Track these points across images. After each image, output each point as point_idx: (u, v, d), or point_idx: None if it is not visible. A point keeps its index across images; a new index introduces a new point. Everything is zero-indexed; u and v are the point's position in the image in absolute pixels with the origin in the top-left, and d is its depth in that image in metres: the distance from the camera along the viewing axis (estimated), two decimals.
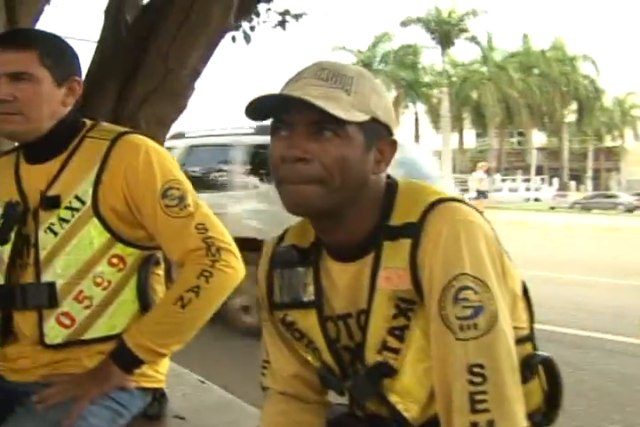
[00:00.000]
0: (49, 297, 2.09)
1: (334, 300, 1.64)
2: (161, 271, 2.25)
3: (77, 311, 2.10)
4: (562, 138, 60.32)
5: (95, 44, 3.80)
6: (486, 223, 1.55)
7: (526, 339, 1.65)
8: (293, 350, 1.74)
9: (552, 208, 38.17)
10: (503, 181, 52.35)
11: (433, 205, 1.53)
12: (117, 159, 2.11)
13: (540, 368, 1.65)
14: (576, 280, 11.66)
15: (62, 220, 2.09)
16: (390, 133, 1.58)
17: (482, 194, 26.50)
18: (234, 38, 5.01)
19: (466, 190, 49.17)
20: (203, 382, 2.91)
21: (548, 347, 1.73)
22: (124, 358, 2.04)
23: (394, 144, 1.59)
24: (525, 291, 1.67)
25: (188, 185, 2.14)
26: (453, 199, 1.56)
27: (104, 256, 2.11)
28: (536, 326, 1.68)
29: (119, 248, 2.12)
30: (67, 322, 2.10)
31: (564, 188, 54.87)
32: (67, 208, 2.09)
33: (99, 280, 2.10)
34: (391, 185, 1.62)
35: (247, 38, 5.10)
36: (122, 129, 2.23)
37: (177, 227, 2.08)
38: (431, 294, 1.48)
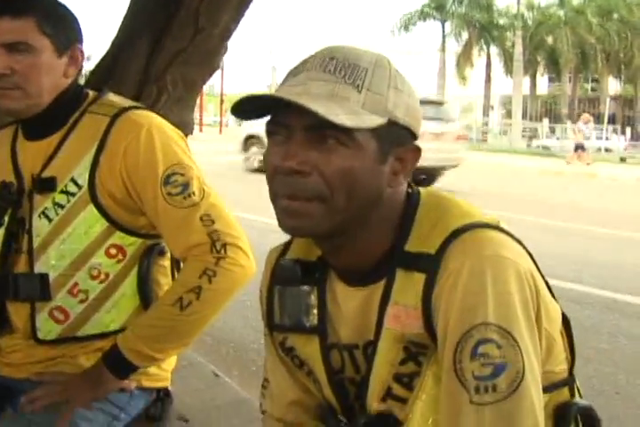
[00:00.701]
0: (41, 289, 1.92)
1: (340, 326, 1.41)
2: (167, 262, 2.05)
3: (72, 306, 1.93)
4: (638, 85, 58.46)
5: None
6: (523, 256, 1.28)
7: (563, 384, 1.39)
8: (295, 374, 1.52)
9: (622, 159, 37.05)
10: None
11: (456, 232, 1.27)
12: (116, 139, 1.89)
13: (578, 419, 1.39)
14: None
15: (57, 205, 1.90)
16: (413, 137, 1.31)
17: (580, 147, 26.11)
18: None
19: (534, 137, 48.48)
20: (217, 375, 2.70)
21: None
22: (117, 363, 1.85)
23: (417, 151, 1.31)
24: (567, 325, 1.41)
25: (195, 170, 1.92)
26: (485, 225, 1.29)
27: (101, 246, 1.91)
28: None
29: (118, 237, 1.92)
30: (60, 317, 1.93)
31: (636, 137, 53.38)
32: (62, 192, 1.90)
33: (95, 273, 1.92)
34: (412, 199, 1.36)
35: None
36: (126, 103, 2.00)
37: (179, 218, 1.86)
38: (445, 344, 1.23)
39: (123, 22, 3.32)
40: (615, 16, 54.85)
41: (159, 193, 1.87)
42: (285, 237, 1.47)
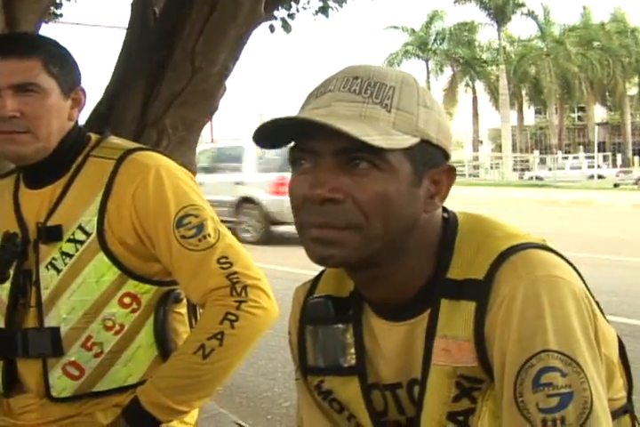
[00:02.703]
0: (53, 344, 1.81)
1: (380, 365, 1.31)
2: (183, 309, 1.94)
3: (86, 360, 1.82)
4: (624, 112, 58.87)
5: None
6: (575, 276, 1.19)
7: (623, 411, 1.30)
8: (334, 421, 1.41)
9: (616, 185, 37.26)
10: (564, 158, 51.25)
11: (504, 255, 1.18)
12: (124, 183, 1.80)
13: None
14: None
15: (65, 254, 1.80)
16: (446, 158, 1.23)
17: None
18: (272, 28, 4.64)
19: (526, 169, 48.60)
20: (241, 426, 2.57)
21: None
22: (139, 418, 1.74)
23: (451, 172, 1.23)
24: (622, 350, 1.32)
25: (208, 211, 1.83)
26: (533, 245, 1.20)
27: (114, 296, 1.82)
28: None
29: (131, 286, 1.83)
30: (75, 373, 1.82)
31: (627, 164, 53.64)
32: (70, 241, 1.80)
33: (109, 324, 1.82)
34: (449, 223, 1.27)
35: (286, 27, 4.72)
36: (130, 145, 1.92)
37: (195, 261, 1.76)
38: (504, 376, 1.14)
39: (115, 68, 3.27)
40: (596, 44, 55.52)
41: (172, 237, 1.78)
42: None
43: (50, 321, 1.81)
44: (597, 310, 1.20)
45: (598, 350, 1.15)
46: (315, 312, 1.36)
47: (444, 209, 1.29)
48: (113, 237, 1.80)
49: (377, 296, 1.28)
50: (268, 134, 1.17)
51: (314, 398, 1.41)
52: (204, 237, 1.78)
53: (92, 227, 1.80)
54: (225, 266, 1.76)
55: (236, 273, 1.75)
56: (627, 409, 1.32)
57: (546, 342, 1.10)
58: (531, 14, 53.15)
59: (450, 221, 1.27)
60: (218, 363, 1.73)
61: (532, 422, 1.09)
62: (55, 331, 1.80)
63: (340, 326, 1.32)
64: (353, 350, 1.31)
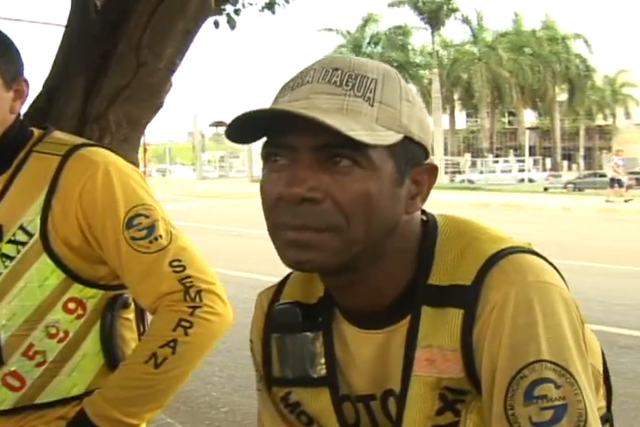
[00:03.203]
0: None
1: (352, 375, 1.23)
2: (131, 315, 1.84)
3: (28, 370, 1.71)
4: (553, 117, 59.96)
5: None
6: (562, 281, 1.13)
7: (604, 421, 1.25)
8: None
9: (546, 189, 37.98)
10: (495, 162, 51.99)
11: (492, 259, 1.11)
12: (70, 180, 1.69)
13: None
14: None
15: (5, 256, 1.69)
16: (427, 156, 1.16)
17: (617, 182, 24.95)
18: (217, 23, 4.52)
19: (457, 172, 49.11)
20: None
21: None
22: None
23: (433, 171, 1.15)
24: (602, 358, 1.28)
25: (159, 211, 1.73)
26: (520, 249, 1.14)
27: (58, 301, 1.70)
28: None
29: (77, 290, 1.72)
30: (15, 384, 1.71)
31: (556, 168, 54.62)
32: (10, 242, 1.68)
33: (53, 331, 1.71)
34: (429, 226, 1.20)
35: (231, 23, 4.61)
36: (77, 141, 1.80)
37: (146, 264, 1.66)
38: (493, 387, 1.07)
39: (55, 60, 3.13)
40: (527, 51, 56.52)
41: (121, 238, 1.67)
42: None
43: None
44: (582, 316, 1.15)
45: (587, 357, 1.10)
46: (281, 319, 1.27)
47: (423, 211, 1.22)
48: (57, 238, 1.68)
49: (352, 303, 1.19)
50: (243, 128, 1.08)
51: (279, 411, 1.32)
52: (156, 238, 1.68)
53: (34, 227, 1.68)
54: (178, 269, 1.66)
55: (189, 277, 1.66)
56: (607, 419, 1.28)
57: (539, 352, 1.05)
58: (464, 19, 53.87)
59: (430, 224, 1.20)
60: (171, 372, 1.64)
61: None
62: None
63: (308, 334, 1.24)
64: (323, 360, 1.23)
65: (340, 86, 1.08)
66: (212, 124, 66.02)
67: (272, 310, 1.30)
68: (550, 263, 1.16)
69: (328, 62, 1.11)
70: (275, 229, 1.10)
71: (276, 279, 1.36)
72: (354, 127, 1.03)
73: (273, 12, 5.22)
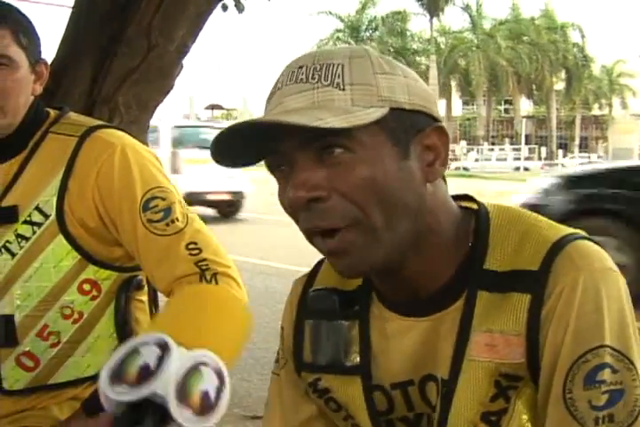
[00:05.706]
0: (6, 334, 1.71)
1: (388, 364, 1.21)
2: (144, 297, 1.84)
3: (42, 350, 1.72)
4: (550, 106, 59.97)
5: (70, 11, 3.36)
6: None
7: None
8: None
9: None
10: (491, 150, 52.00)
11: (558, 245, 1.11)
12: (87, 161, 1.69)
13: None
14: None
15: (21, 237, 1.69)
16: (433, 118, 1.13)
17: None
18: (225, 7, 4.49)
19: (453, 160, 49.08)
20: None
21: None
22: (101, 410, 1.63)
23: (441, 131, 1.12)
24: None
25: (175, 194, 1.73)
26: (580, 236, 1.14)
27: (73, 282, 1.71)
28: None
29: (92, 271, 1.72)
30: (29, 364, 1.72)
31: (551, 156, 54.65)
32: (26, 222, 1.69)
33: (67, 312, 1.71)
34: (481, 212, 1.18)
35: (239, 6, 4.58)
36: (93, 122, 1.80)
37: (162, 247, 1.66)
38: (553, 371, 1.07)
39: (62, 41, 3.11)
40: (525, 39, 56.42)
41: (138, 220, 1.67)
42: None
43: (3, 308, 1.70)
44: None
45: None
46: (317, 306, 1.26)
47: (473, 198, 1.21)
48: (73, 219, 1.69)
49: (395, 290, 1.18)
50: (228, 152, 1.10)
51: (300, 393, 1.31)
52: (172, 221, 1.68)
53: (50, 208, 1.68)
54: (194, 252, 1.66)
55: (205, 260, 1.66)
56: None
57: (603, 338, 1.06)
58: (463, 7, 53.76)
59: (481, 211, 1.18)
60: None
61: (581, 422, 1.04)
62: (9, 319, 1.70)
63: (344, 322, 1.23)
64: (357, 349, 1.22)
65: (307, 82, 1.07)
66: (207, 107, 65.83)
67: (306, 296, 1.29)
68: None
69: (294, 63, 1.11)
70: (308, 239, 1.10)
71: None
72: (322, 116, 1.02)
73: None
